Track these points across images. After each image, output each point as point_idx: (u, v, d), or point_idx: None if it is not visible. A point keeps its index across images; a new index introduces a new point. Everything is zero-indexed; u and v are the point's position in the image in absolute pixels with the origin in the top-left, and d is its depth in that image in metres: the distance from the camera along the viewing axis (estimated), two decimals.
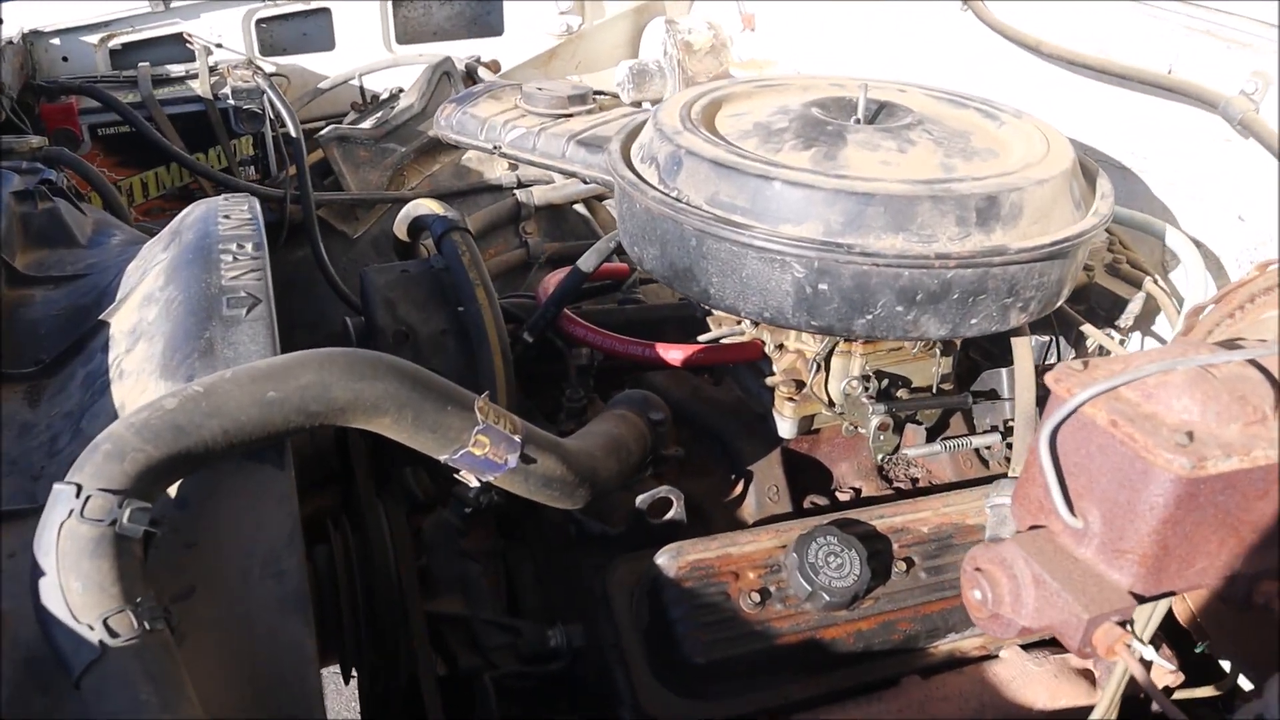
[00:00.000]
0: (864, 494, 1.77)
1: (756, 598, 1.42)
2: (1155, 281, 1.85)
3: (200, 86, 2.60)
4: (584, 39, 3.28)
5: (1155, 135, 1.90)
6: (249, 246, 1.35)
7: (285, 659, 1.10)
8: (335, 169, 2.66)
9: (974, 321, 1.44)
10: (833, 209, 1.39)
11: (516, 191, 2.78)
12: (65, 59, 2.73)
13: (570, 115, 2.04)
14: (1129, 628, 0.91)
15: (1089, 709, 1.58)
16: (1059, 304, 1.54)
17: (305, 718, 1.08)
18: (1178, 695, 1.74)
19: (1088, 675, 1.61)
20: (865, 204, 1.38)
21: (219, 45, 2.80)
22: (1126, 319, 1.86)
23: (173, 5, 2.74)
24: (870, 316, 1.41)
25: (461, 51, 3.08)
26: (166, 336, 1.24)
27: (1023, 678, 1.55)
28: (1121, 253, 1.94)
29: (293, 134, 2.54)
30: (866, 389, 1.61)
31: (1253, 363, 0.92)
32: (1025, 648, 1.59)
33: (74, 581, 0.95)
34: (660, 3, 3.28)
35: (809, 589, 1.42)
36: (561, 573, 1.68)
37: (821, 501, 1.73)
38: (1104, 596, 0.88)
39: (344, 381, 1.12)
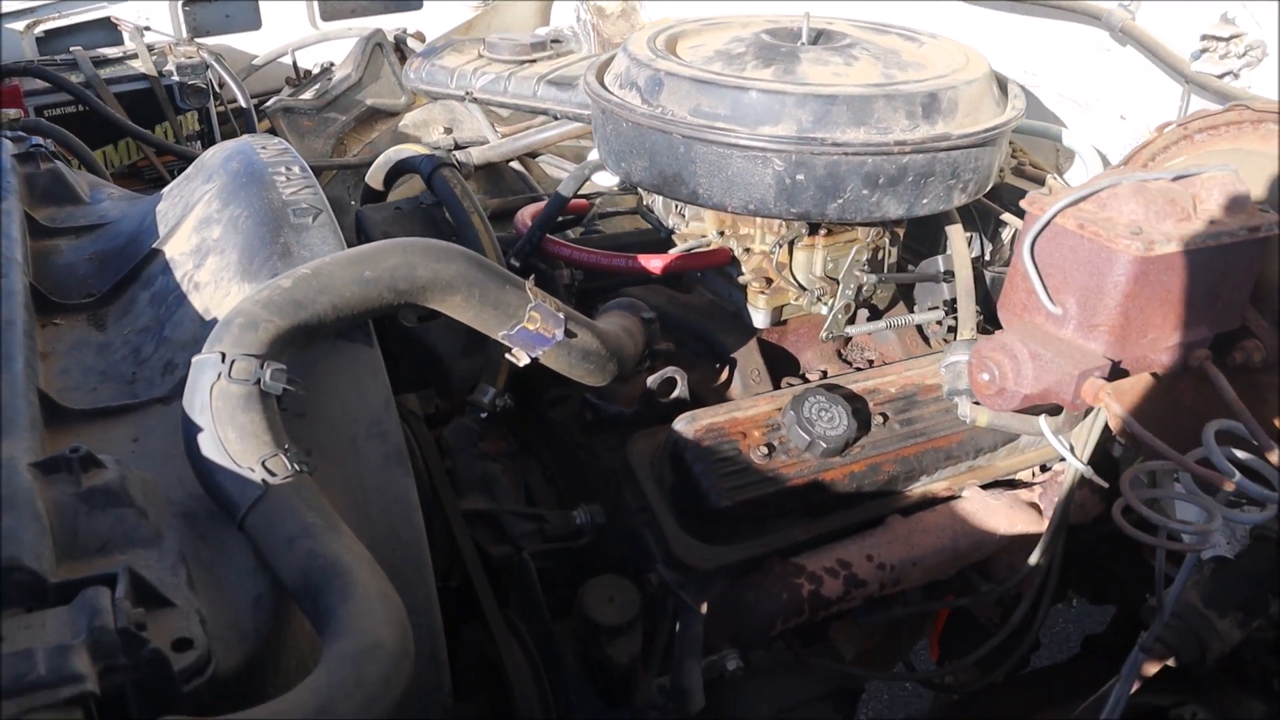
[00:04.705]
0: (829, 374, 2.00)
1: (764, 450, 1.63)
2: (1056, 179, 2.15)
3: (143, 64, 2.65)
4: (498, 11, 3.43)
5: (1045, 55, 2.20)
6: (296, 169, 1.49)
7: (395, 509, 1.25)
8: (282, 139, 2.74)
9: (925, 201, 1.68)
10: (803, 110, 1.62)
11: (455, 153, 2.92)
12: None
13: (534, 60, 2.21)
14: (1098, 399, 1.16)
15: (1038, 535, 1.86)
16: (989, 187, 1.80)
17: (417, 562, 1.24)
18: None
19: (1035, 507, 1.88)
20: (830, 104, 1.61)
21: (148, 29, 2.85)
22: None
23: None
24: (841, 200, 1.64)
25: (384, 25, 3.20)
26: (240, 247, 1.38)
27: (984, 511, 1.81)
28: (1024, 157, 2.24)
29: (244, 105, 2.63)
30: (860, 265, 1.84)
31: (1177, 180, 1.18)
32: (984, 488, 1.85)
33: (231, 432, 1.09)
34: None
35: (807, 439, 1.64)
36: (574, 465, 1.86)
37: (796, 383, 1.95)
38: (1086, 359, 1.12)
39: (425, 262, 1.28)
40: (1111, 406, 1.11)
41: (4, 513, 0.96)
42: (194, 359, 1.13)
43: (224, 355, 1.11)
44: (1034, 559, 1.76)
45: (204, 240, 1.44)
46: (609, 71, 1.90)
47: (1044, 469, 1.96)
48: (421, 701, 1.24)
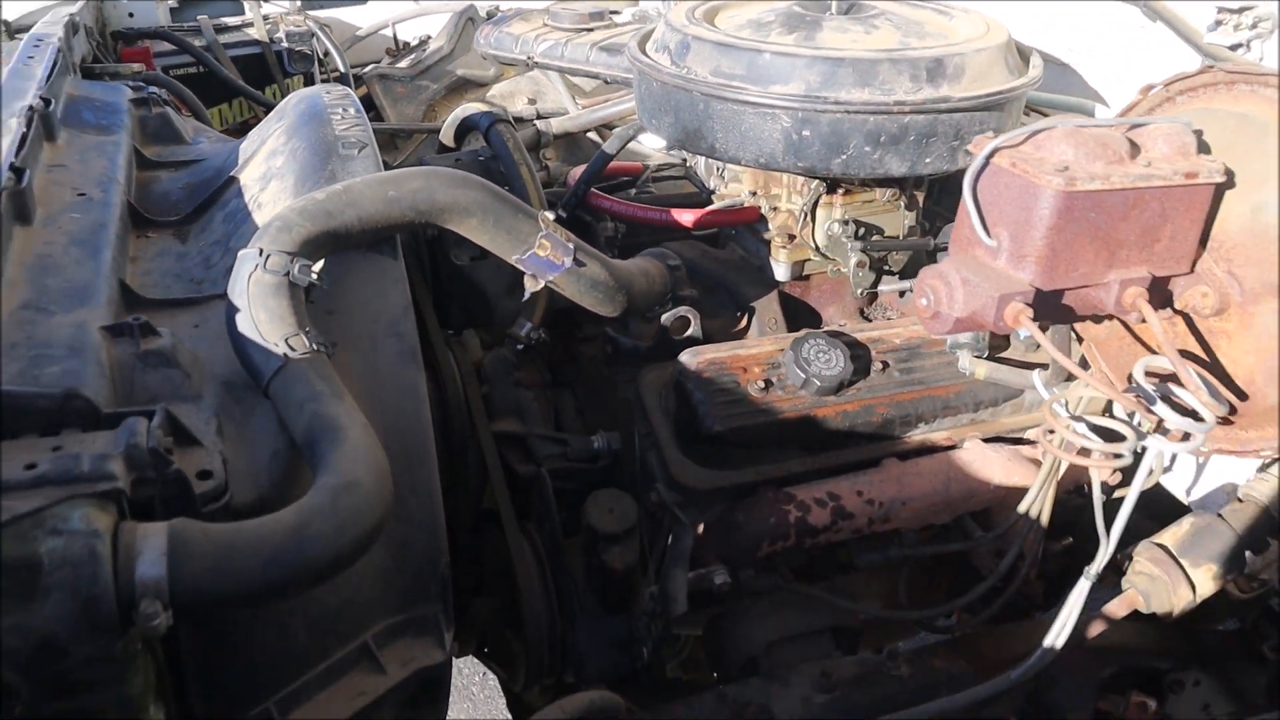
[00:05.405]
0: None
1: (761, 385, 1.77)
2: None
3: (257, 32, 2.95)
4: None
5: (1087, 33, 2.26)
6: (351, 110, 1.71)
7: (405, 400, 1.44)
8: (377, 103, 3.00)
9: (928, 161, 1.79)
10: (811, 71, 1.75)
11: (536, 122, 3.12)
12: (131, 14, 3.08)
13: (591, 29, 2.39)
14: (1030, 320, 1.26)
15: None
16: None
17: (421, 446, 1.43)
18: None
19: (1037, 463, 1.96)
20: (837, 66, 1.74)
21: (267, 0, 3.15)
22: None
23: None
24: (844, 156, 1.76)
25: (477, 2, 3.43)
26: (296, 173, 1.59)
27: (982, 461, 1.90)
28: None
29: (342, 70, 2.89)
30: (846, 230, 1.96)
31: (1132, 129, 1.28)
32: (985, 441, 1.94)
33: (261, 313, 1.30)
34: None
35: (803, 377, 1.77)
36: (598, 398, 2.03)
37: None
38: (1010, 284, 1.23)
39: (445, 188, 1.47)
40: (1035, 331, 1.21)
41: (74, 358, 1.19)
42: (239, 253, 1.35)
43: (261, 250, 1.32)
44: (1023, 507, 1.84)
45: (270, 168, 1.67)
46: (650, 39, 2.06)
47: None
48: (421, 570, 1.44)
